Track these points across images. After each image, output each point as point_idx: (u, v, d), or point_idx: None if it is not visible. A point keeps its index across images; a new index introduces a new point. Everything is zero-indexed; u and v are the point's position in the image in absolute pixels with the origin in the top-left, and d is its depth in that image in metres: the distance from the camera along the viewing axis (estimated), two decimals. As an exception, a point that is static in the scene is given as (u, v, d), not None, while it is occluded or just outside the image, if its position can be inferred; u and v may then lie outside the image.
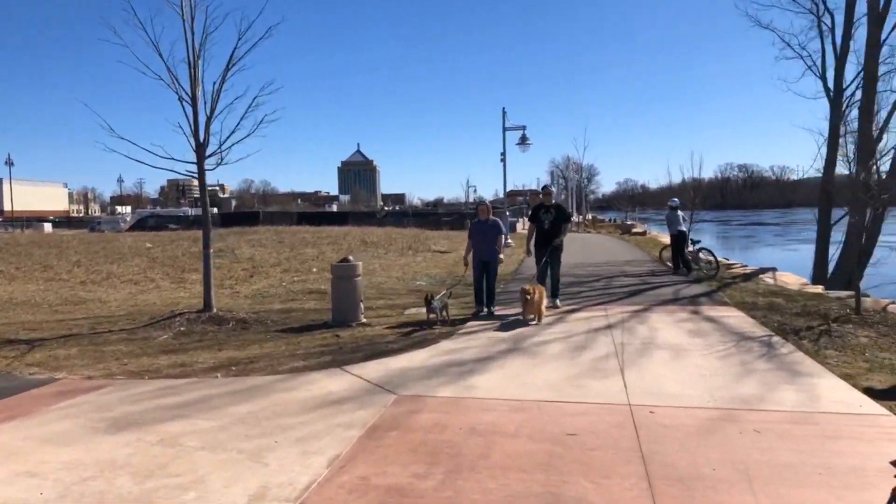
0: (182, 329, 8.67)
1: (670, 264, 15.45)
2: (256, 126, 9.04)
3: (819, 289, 12.54)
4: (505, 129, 24.16)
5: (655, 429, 4.50)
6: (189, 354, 7.27)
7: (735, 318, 8.73)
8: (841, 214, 20.23)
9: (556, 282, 10.00)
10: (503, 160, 24.54)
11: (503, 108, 23.90)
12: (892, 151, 17.97)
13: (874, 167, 18.88)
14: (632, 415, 4.79)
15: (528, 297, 8.52)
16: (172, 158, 9.17)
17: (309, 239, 27.30)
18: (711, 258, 14.84)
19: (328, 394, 5.52)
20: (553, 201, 10.13)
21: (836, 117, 20.10)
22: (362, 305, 8.90)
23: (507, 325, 8.47)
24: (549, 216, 9.74)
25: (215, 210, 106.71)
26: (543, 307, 8.77)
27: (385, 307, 10.48)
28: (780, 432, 4.39)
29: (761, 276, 14.09)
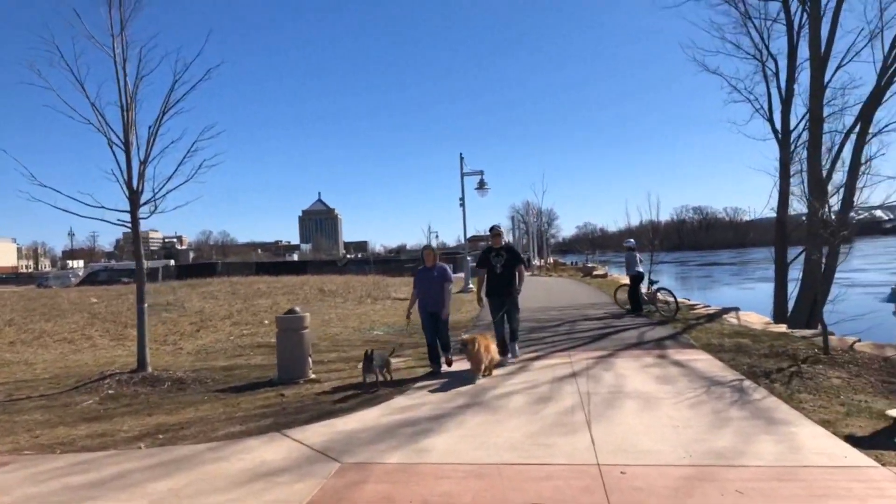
0: (110, 392, 7.90)
1: (627, 307, 15.24)
2: (195, 172, 8.51)
3: (783, 328, 12.37)
4: (463, 175, 24.04)
5: (628, 493, 4.01)
6: (113, 422, 6.53)
7: (703, 361, 8.37)
8: (796, 252, 20.51)
9: (515, 333, 9.19)
10: (462, 205, 24.34)
11: (460, 154, 23.84)
12: (842, 190, 18.31)
13: (826, 205, 19.28)
14: (601, 477, 4.30)
15: (470, 348, 7.64)
16: (102, 207, 8.59)
17: (264, 289, 26.46)
18: (670, 298, 14.67)
19: (262, 464, 4.89)
20: (503, 243, 9.09)
21: (785, 157, 20.51)
22: (311, 360, 8.29)
23: (465, 377, 7.93)
24: (500, 259, 8.86)
25: (172, 262, 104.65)
26: (492, 359, 7.96)
27: (338, 360, 9.85)
28: (766, 492, 3.96)
29: (725, 316, 13.90)
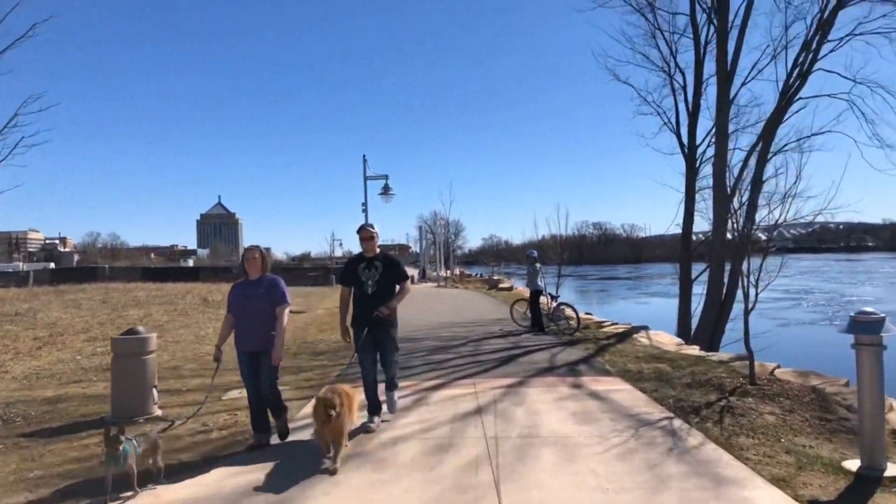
0: None
1: (526, 323, 14.39)
2: (11, 151, 6.66)
3: (696, 350, 11.77)
4: (366, 178, 22.56)
5: None
6: None
7: (624, 392, 7.39)
8: (699, 270, 20.50)
9: (393, 379, 6.45)
10: (364, 211, 22.84)
11: (363, 156, 22.37)
12: (745, 207, 18.36)
13: (731, 221, 19.34)
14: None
15: (331, 413, 4.81)
16: None
17: (141, 298, 23.88)
18: (573, 314, 13.97)
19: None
20: (378, 250, 6.28)
21: (691, 172, 20.51)
22: (156, 392, 6.61)
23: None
24: (372, 273, 6.04)
25: (52, 265, 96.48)
26: (347, 428, 5.16)
27: (200, 388, 8.18)
28: None
29: (635, 335, 13.23)
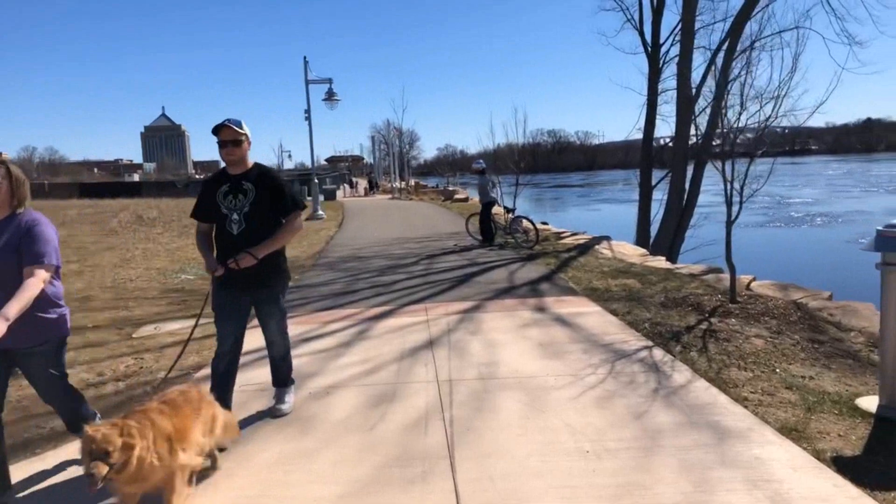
0: None
1: (480, 237, 13.51)
2: None
3: (663, 261, 11.10)
4: (308, 82, 20.72)
5: None
6: None
7: (593, 316, 6.58)
8: (661, 176, 19.78)
9: (280, 369, 4.26)
10: (308, 118, 21.14)
11: (304, 58, 20.42)
12: (710, 108, 17.47)
13: (693, 125, 18.48)
14: None
15: (104, 464, 2.52)
16: None
17: (72, 216, 22.13)
18: (530, 226, 13.13)
19: None
20: (252, 163, 3.96)
21: (654, 73, 19.41)
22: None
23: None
24: (240, 202, 3.81)
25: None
26: (179, 477, 2.83)
27: (109, 325, 7.06)
28: None
29: (597, 246, 12.49)
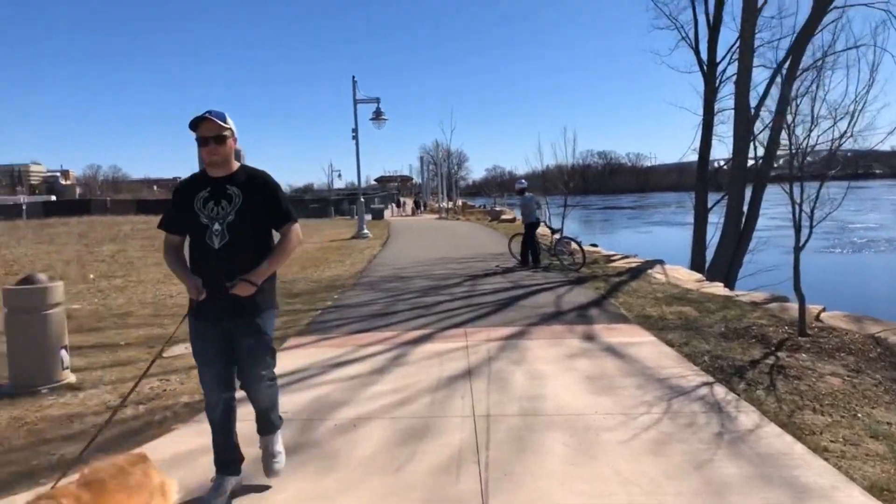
0: None
1: (520, 258, 13.03)
2: None
3: (721, 288, 10.45)
4: (356, 102, 20.78)
5: None
6: None
7: (647, 346, 6.09)
8: (717, 198, 18.96)
9: (267, 411, 3.31)
10: (355, 138, 21.18)
11: (353, 77, 20.53)
12: (770, 128, 16.67)
13: (752, 145, 17.67)
14: None
15: None
16: None
17: (125, 232, 22.65)
18: (577, 248, 12.65)
19: None
20: (239, 163, 3.27)
21: (710, 92, 18.71)
22: (65, 355, 5.31)
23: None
24: (226, 210, 3.09)
25: (53, 198, 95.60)
26: None
27: (142, 342, 6.92)
28: None
29: (650, 270, 11.90)
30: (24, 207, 54.84)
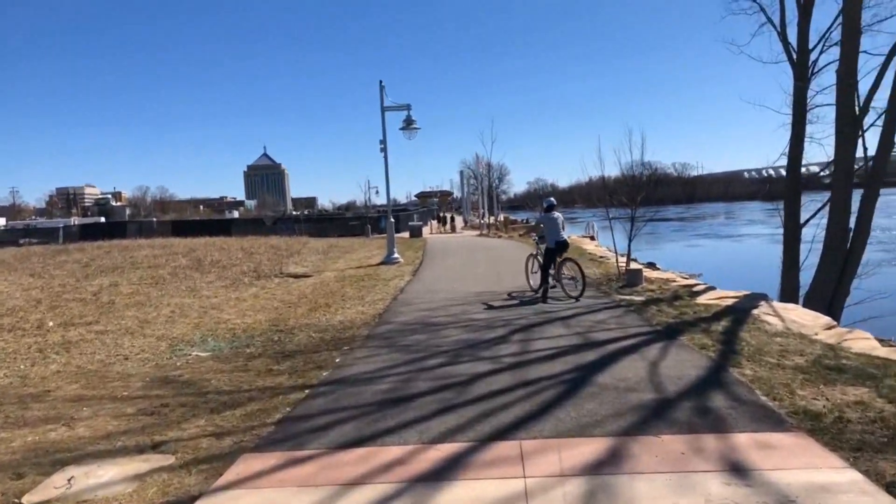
0: None
1: (533, 283, 11.41)
2: None
3: (872, 341, 7.50)
4: (384, 109, 18.34)
5: None
6: None
7: (849, 494, 3.30)
8: (816, 208, 15.81)
9: None
10: (383, 149, 18.72)
11: (380, 83, 18.09)
12: (884, 118, 13.56)
13: (860, 142, 14.55)
14: None
15: None
16: None
17: (137, 260, 20.60)
18: (576, 274, 10.63)
19: None
20: None
21: (802, 84, 15.64)
22: None
23: None
24: None
25: (102, 219, 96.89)
26: None
27: (17, 462, 4.45)
28: None
29: (755, 311, 9.01)
30: (60, 230, 54.38)
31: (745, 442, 4.16)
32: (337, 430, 4.74)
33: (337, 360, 6.98)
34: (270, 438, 4.66)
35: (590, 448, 4.16)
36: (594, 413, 4.83)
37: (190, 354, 7.75)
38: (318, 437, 4.62)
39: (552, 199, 12.07)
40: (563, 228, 11.34)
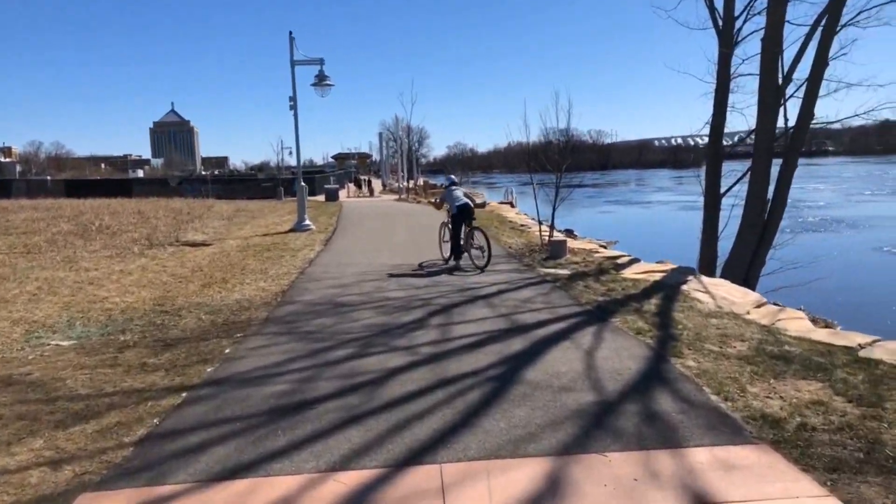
0: None
1: (444, 253, 11.28)
2: None
3: (804, 320, 7.18)
4: (293, 63, 16.83)
5: None
6: None
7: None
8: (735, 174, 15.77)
9: None
10: (293, 106, 17.25)
11: (290, 34, 16.54)
12: (805, 89, 13.50)
13: (782, 112, 14.51)
14: None
15: None
16: None
17: (14, 223, 18.36)
18: (483, 244, 10.34)
19: None
20: None
21: (726, 51, 15.41)
22: None
23: None
24: None
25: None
26: None
27: None
28: None
29: (684, 287, 8.60)
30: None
31: (704, 460, 3.51)
32: (212, 453, 3.79)
33: (227, 352, 5.95)
34: (124, 468, 3.65)
35: (524, 473, 3.41)
36: (527, 422, 4.09)
37: (48, 344, 6.48)
38: (187, 464, 3.65)
39: (452, 175, 12.97)
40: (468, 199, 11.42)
